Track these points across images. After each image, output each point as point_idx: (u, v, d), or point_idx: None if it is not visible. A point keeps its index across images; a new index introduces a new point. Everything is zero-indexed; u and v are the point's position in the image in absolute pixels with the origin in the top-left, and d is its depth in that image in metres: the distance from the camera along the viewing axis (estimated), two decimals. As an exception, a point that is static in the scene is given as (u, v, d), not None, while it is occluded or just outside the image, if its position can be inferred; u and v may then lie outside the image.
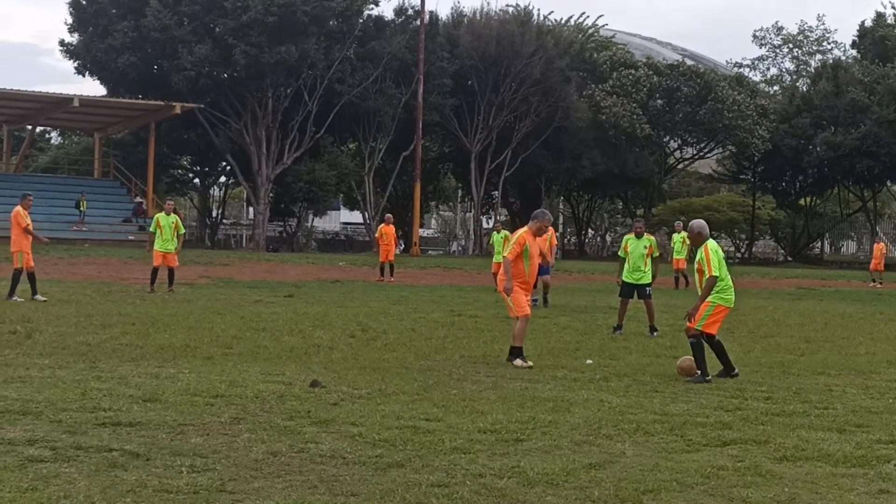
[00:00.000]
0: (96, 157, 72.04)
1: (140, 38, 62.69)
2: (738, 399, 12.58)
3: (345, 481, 8.12)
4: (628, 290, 21.28)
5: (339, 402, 11.50)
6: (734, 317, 24.73)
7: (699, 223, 15.51)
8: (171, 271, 28.72)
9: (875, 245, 52.85)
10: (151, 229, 29.52)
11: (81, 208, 61.62)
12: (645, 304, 21.29)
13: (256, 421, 10.26)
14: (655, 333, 20.54)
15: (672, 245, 38.09)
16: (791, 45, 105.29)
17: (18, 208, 25.40)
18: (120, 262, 42.15)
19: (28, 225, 25.26)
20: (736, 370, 14.79)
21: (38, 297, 24.42)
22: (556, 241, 23.22)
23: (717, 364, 14.73)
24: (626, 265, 21.43)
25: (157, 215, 29.64)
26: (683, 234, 34.69)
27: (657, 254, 21.89)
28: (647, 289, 21.26)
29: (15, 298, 24.08)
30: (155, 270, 28.48)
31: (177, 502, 7.50)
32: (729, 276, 14.84)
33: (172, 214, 29.41)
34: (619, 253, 22.01)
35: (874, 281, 48.22)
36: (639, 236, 21.52)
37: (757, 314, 26.78)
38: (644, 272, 21.27)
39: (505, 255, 16.29)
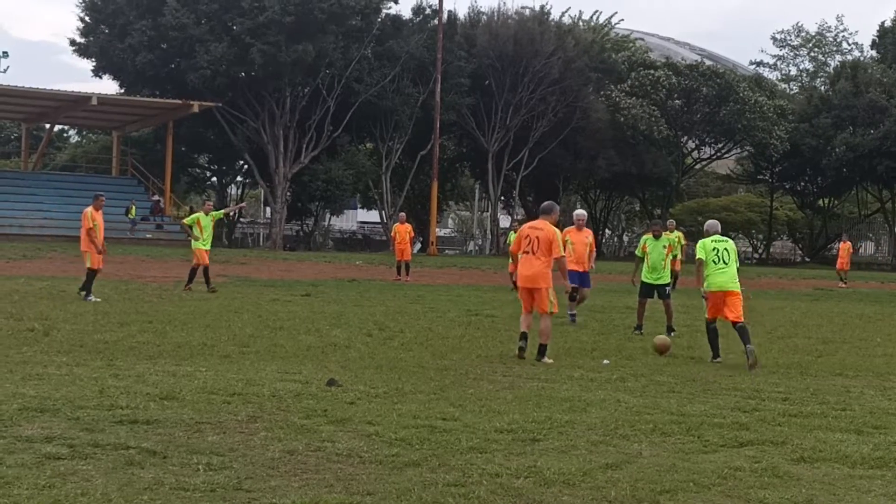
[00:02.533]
0: (114, 156, 72.20)
1: (158, 36, 62.81)
2: (755, 400, 12.55)
3: (361, 480, 8.12)
4: (647, 291, 21.31)
5: (355, 401, 11.50)
6: (752, 317, 24.72)
7: (710, 222, 18.18)
8: (205, 269, 28.77)
9: (841, 244, 51.42)
10: (188, 222, 29.57)
11: (131, 215, 61.78)
12: (664, 304, 21.30)
13: (273, 419, 10.26)
14: (673, 334, 20.50)
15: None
16: (811, 45, 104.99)
17: (89, 209, 25.50)
18: (137, 260, 42.23)
19: (91, 228, 25.23)
20: (718, 358, 16.87)
21: (91, 297, 24.45)
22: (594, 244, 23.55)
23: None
24: (644, 265, 21.44)
25: (197, 215, 29.64)
26: (678, 233, 34.40)
27: (677, 253, 22.26)
28: (667, 289, 21.30)
29: (91, 298, 24.22)
30: (195, 270, 28.58)
31: (193, 500, 7.50)
32: (714, 266, 16.86)
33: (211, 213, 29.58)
34: (637, 252, 22.06)
35: (842, 280, 47.25)
36: (657, 237, 21.54)
37: (775, 315, 26.72)
38: (663, 272, 21.33)
39: (561, 254, 16.46)
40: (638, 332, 20.96)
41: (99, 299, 24.19)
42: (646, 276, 21.35)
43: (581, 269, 22.72)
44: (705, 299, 17.14)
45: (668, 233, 27.14)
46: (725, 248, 17.33)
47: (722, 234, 17.75)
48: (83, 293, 24.52)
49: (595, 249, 24.21)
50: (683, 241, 34.79)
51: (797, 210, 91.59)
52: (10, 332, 17.19)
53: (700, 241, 17.53)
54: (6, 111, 73.04)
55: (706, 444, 9.86)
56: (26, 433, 9.23)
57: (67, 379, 12.26)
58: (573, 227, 23.19)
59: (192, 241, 29.01)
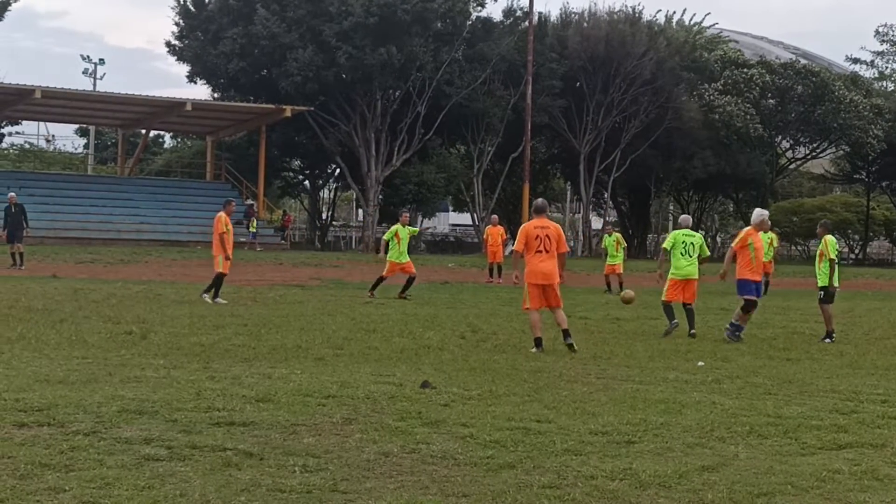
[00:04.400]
0: (208, 160, 72.87)
1: (249, 44, 63.35)
2: (853, 402, 12.38)
3: (456, 482, 8.13)
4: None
5: (449, 403, 11.51)
6: (849, 318, 24.45)
7: (682, 217, 22.56)
8: (411, 278, 28.74)
9: None
10: (387, 237, 29.40)
11: (252, 229, 62.57)
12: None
13: (368, 421, 10.31)
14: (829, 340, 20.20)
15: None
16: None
17: (221, 214, 25.86)
18: (231, 264, 42.62)
19: (224, 232, 25.61)
20: (675, 321, 20.01)
21: (219, 300, 25.01)
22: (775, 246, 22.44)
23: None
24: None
25: (395, 226, 29.52)
26: (771, 234, 33.86)
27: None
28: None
29: (218, 301, 24.81)
30: (381, 279, 28.62)
31: (290, 501, 7.56)
32: (681, 258, 20.49)
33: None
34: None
35: None
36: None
37: (872, 316, 26.35)
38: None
39: (567, 249, 17.56)
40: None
41: (226, 301, 24.91)
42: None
43: (759, 279, 20.84)
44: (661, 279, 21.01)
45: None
46: (692, 242, 20.63)
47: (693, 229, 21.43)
48: (206, 295, 25.09)
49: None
50: (777, 243, 34.39)
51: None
52: (108, 335, 17.44)
53: (672, 233, 21.16)
54: (103, 118, 74.19)
55: (804, 446, 9.75)
56: (125, 435, 9.35)
57: (165, 381, 12.40)
58: (751, 227, 20.74)
59: (388, 253, 28.83)
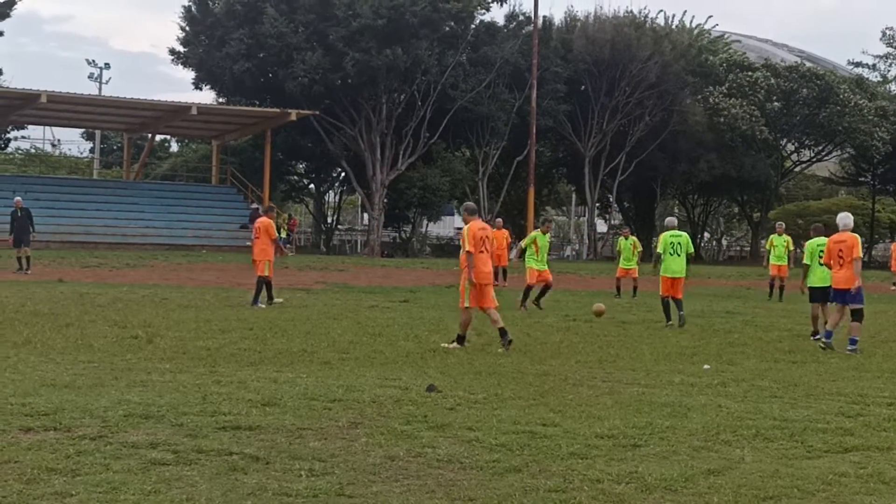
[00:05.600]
0: (214, 164, 72.94)
1: (256, 45, 63.41)
2: (859, 405, 12.38)
3: (462, 486, 8.14)
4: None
5: (455, 406, 11.52)
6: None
7: (668, 219, 24.68)
8: (547, 286, 28.18)
9: (893, 245, 50.07)
10: (524, 245, 28.99)
11: (282, 235, 62.65)
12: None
13: (374, 425, 10.32)
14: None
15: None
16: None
17: (270, 221, 26.66)
18: (237, 268, 42.62)
19: (275, 238, 26.47)
20: (670, 322, 22.66)
21: (260, 304, 25.38)
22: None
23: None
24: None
25: (534, 233, 28.95)
26: (786, 237, 33.97)
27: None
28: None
29: (259, 305, 25.14)
30: (529, 288, 27.72)
31: (296, 506, 7.59)
32: (670, 257, 22.89)
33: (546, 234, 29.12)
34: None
35: (894, 284, 45.88)
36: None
37: (878, 319, 26.30)
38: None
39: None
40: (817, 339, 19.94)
41: (281, 300, 25.93)
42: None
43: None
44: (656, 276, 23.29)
45: (775, 235, 27.76)
46: (679, 242, 23.07)
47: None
48: (263, 304, 25.39)
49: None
50: (791, 246, 34.34)
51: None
52: (114, 339, 17.46)
53: (661, 236, 23.57)
54: (109, 122, 74.28)
55: (810, 449, 9.75)
56: (132, 439, 9.37)
57: (171, 385, 12.42)
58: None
59: (527, 260, 28.12)
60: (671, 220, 24.79)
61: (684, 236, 23.68)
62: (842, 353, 17.85)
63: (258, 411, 10.86)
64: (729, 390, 13.38)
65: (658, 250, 23.52)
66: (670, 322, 22.81)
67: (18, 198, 40.28)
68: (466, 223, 18.26)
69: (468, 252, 17.70)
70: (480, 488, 8.08)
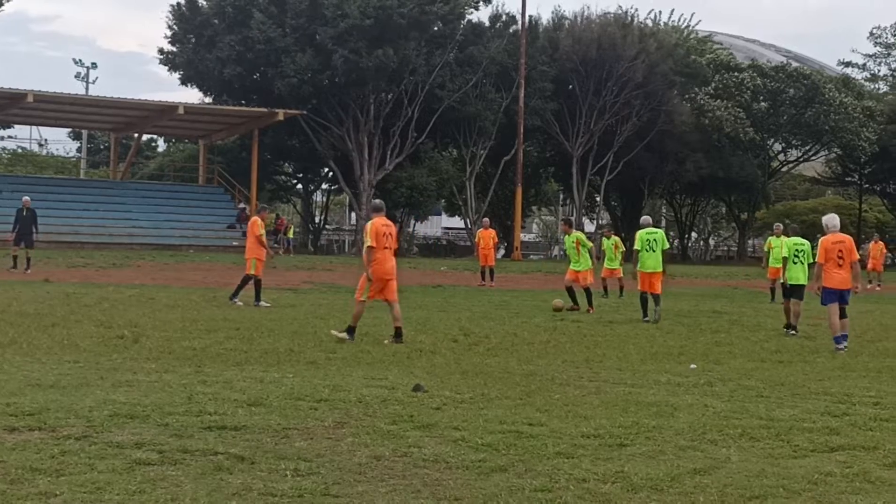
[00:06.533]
0: (201, 164, 72.80)
1: (245, 49, 63.30)
2: (845, 404, 12.39)
3: (448, 485, 8.13)
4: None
5: (441, 406, 11.51)
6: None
7: (643, 218, 25.90)
8: (588, 293, 27.68)
9: (872, 244, 50.25)
10: (574, 244, 28.73)
11: (288, 235, 62.37)
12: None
13: (360, 425, 10.31)
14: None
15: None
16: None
17: (256, 218, 26.90)
18: (224, 268, 42.57)
19: (260, 235, 26.45)
20: (647, 318, 23.66)
21: (262, 303, 25.51)
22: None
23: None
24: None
25: (577, 233, 28.86)
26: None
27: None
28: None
29: (237, 302, 25.41)
30: (589, 292, 27.46)
31: (281, 506, 7.57)
32: (646, 253, 24.00)
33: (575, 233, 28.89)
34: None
35: (871, 282, 45.93)
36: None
37: (864, 319, 26.37)
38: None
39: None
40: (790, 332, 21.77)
41: (270, 304, 25.60)
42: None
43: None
44: (635, 277, 24.05)
45: (772, 237, 28.35)
46: (654, 238, 24.12)
47: (653, 231, 24.49)
48: (261, 302, 25.59)
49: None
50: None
51: (888, 212, 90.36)
52: (100, 339, 17.41)
53: (637, 233, 24.54)
54: (95, 121, 74.13)
55: (796, 449, 9.76)
56: (117, 439, 9.34)
57: (157, 385, 12.39)
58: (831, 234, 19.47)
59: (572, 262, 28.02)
60: (646, 218, 26.03)
61: (659, 233, 24.80)
62: (826, 353, 17.88)
63: (244, 411, 10.84)
64: (715, 390, 13.39)
65: (635, 247, 24.46)
66: (647, 318, 23.70)
67: (27, 197, 40.27)
68: (370, 219, 18.69)
69: (370, 247, 18.13)
70: (466, 488, 8.07)
